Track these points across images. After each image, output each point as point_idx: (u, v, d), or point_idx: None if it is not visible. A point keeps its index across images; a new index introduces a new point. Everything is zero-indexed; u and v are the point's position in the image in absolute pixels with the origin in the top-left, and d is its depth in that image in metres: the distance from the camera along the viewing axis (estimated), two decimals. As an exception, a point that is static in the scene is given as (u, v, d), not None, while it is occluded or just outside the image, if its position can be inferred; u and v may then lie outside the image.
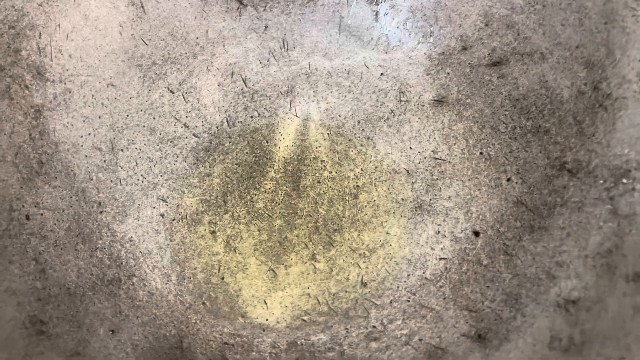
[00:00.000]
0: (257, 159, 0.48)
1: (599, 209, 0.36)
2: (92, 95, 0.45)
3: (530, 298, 0.36)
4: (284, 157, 0.48)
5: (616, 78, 0.38)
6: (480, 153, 0.45)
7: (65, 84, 0.44)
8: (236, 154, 0.48)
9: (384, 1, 0.48)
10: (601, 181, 0.37)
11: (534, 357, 0.33)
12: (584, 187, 0.38)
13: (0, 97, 0.40)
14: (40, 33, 0.43)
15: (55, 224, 0.40)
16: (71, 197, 0.42)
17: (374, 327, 0.40)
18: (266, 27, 0.50)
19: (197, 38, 0.49)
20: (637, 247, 0.33)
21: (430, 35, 0.48)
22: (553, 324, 0.34)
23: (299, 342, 0.40)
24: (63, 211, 0.41)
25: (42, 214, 0.40)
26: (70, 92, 0.44)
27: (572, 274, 0.35)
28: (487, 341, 0.36)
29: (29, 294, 0.36)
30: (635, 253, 0.33)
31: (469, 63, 0.47)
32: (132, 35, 0.47)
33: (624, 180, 0.36)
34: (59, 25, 0.44)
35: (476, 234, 0.42)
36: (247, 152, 0.48)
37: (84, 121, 0.44)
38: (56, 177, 0.41)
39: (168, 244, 0.44)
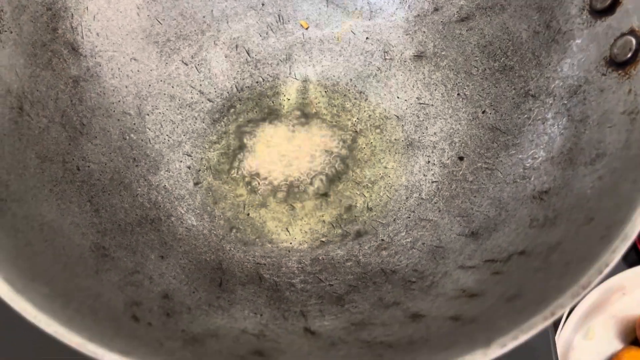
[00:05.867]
0: (265, 117, 0.55)
1: (559, 120, 0.44)
2: (119, 69, 0.51)
3: (511, 197, 0.44)
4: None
5: (563, 16, 0.46)
6: (458, 94, 0.53)
7: (95, 58, 0.50)
8: (247, 114, 0.55)
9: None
10: (559, 99, 0.45)
11: (518, 237, 0.40)
12: (545, 106, 0.46)
13: (44, 68, 0.46)
14: (72, 14, 0.49)
15: (100, 175, 0.46)
16: (110, 153, 0.48)
17: (382, 240, 0.47)
18: (263, 4, 0.57)
19: (204, 17, 0.56)
20: (591, 141, 0.41)
21: (406, 1, 0.56)
22: (531, 211, 0.42)
23: (320, 258, 0.46)
24: (105, 164, 0.47)
25: (89, 166, 0.46)
26: (100, 66, 0.50)
27: (542, 173, 0.43)
28: (479, 235, 0.43)
29: (89, 226, 0.42)
30: (590, 145, 0.40)
31: (441, 21, 0.55)
32: (148, 15, 0.54)
33: (577, 94, 0.44)
34: (87, 7, 0.50)
35: (461, 158, 0.50)
36: (256, 112, 0.55)
37: (113, 90, 0.51)
38: (96, 137, 0.48)
39: (197, 190, 0.50)
